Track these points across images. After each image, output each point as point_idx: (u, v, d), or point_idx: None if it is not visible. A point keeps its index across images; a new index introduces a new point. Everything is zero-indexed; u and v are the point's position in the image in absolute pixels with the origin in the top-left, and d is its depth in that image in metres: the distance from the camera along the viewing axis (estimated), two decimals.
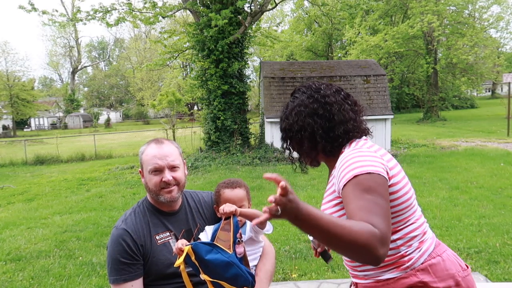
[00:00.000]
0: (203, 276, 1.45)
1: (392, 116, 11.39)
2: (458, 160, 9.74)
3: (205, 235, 1.66)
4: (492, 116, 25.38)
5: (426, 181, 7.67)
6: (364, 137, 1.39)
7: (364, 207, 1.09)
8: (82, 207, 6.99)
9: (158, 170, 1.60)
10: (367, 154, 1.24)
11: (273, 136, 11.24)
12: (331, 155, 1.36)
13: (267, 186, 7.80)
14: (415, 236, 1.30)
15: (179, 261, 1.45)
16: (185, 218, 1.73)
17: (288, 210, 0.97)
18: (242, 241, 1.57)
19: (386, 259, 1.26)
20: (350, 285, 1.52)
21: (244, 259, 1.54)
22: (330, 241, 1.01)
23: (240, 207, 1.66)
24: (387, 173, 1.22)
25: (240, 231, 1.58)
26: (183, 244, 1.48)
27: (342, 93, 1.40)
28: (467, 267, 1.33)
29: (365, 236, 0.99)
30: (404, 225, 1.29)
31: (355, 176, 1.16)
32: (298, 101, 1.38)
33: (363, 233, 0.99)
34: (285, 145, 1.45)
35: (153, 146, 1.65)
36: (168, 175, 1.60)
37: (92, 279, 3.88)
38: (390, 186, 1.22)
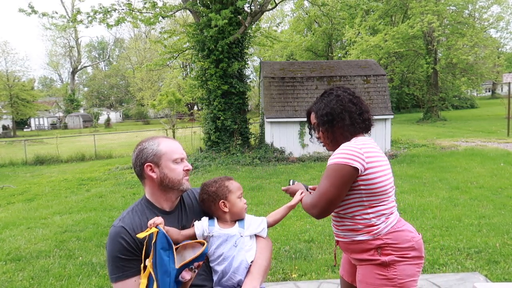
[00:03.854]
0: (147, 261, 1.47)
1: (392, 116, 11.38)
2: (458, 160, 9.74)
3: (201, 225, 1.70)
4: (492, 116, 25.38)
5: (426, 181, 7.68)
6: (365, 135, 1.88)
7: (318, 187, 1.76)
8: (82, 207, 7.00)
9: (182, 159, 1.69)
10: (352, 149, 1.70)
11: (273, 136, 11.24)
12: (352, 136, 1.82)
13: (267, 186, 7.80)
14: (384, 214, 1.76)
15: (142, 235, 1.48)
16: (183, 215, 1.75)
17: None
18: (195, 271, 1.54)
19: (360, 225, 1.76)
20: (336, 244, 2.01)
21: (182, 286, 1.51)
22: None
23: (242, 193, 1.81)
24: (363, 166, 1.68)
25: (200, 263, 1.54)
26: (155, 222, 1.50)
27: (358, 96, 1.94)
28: (419, 234, 1.83)
29: (304, 205, 1.82)
30: (377, 204, 1.75)
31: (331, 164, 1.72)
32: (335, 94, 1.85)
33: (305, 203, 1.82)
34: (323, 128, 1.86)
35: (167, 139, 1.71)
36: (189, 164, 1.71)
37: (92, 279, 3.88)
38: (365, 174, 1.70)
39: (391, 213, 1.80)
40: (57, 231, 5.57)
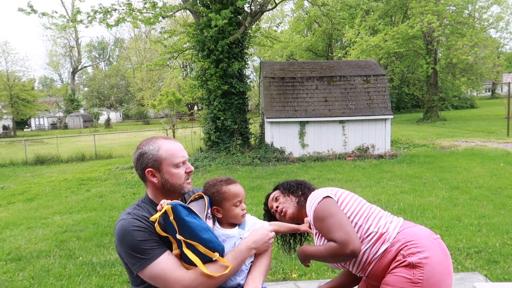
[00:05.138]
0: (179, 236, 1.47)
1: (392, 116, 11.37)
2: (458, 160, 9.74)
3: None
4: (492, 116, 25.39)
5: (426, 181, 7.68)
6: None
7: (326, 232, 1.76)
8: (82, 207, 7.00)
9: (184, 162, 1.65)
10: (317, 191, 1.94)
11: (273, 136, 11.24)
12: (303, 207, 2.03)
13: (267, 186, 7.80)
14: (381, 217, 1.86)
15: (155, 216, 1.47)
16: None
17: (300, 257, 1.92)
18: (211, 217, 1.66)
19: (372, 242, 1.79)
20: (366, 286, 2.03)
21: None
22: (320, 260, 1.86)
23: (241, 200, 1.72)
24: (332, 194, 1.90)
25: (209, 210, 1.66)
26: (165, 202, 1.50)
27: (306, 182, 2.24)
28: (437, 235, 1.89)
29: (328, 252, 1.70)
30: (368, 216, 1.84)
31: (314, 211, 1.84)
32: (292, 180, 2.22)
33: (327, 251, 1.70)
34: (289, 193, 2.12)
35: (166, 141, 1.65)
36: (191, 166, 1.68)
37: (92, 279, 3.88)
38: (337, 199, 1.89)
39: (388, 216, 1.89)
40: (57, 231, 5.58)
